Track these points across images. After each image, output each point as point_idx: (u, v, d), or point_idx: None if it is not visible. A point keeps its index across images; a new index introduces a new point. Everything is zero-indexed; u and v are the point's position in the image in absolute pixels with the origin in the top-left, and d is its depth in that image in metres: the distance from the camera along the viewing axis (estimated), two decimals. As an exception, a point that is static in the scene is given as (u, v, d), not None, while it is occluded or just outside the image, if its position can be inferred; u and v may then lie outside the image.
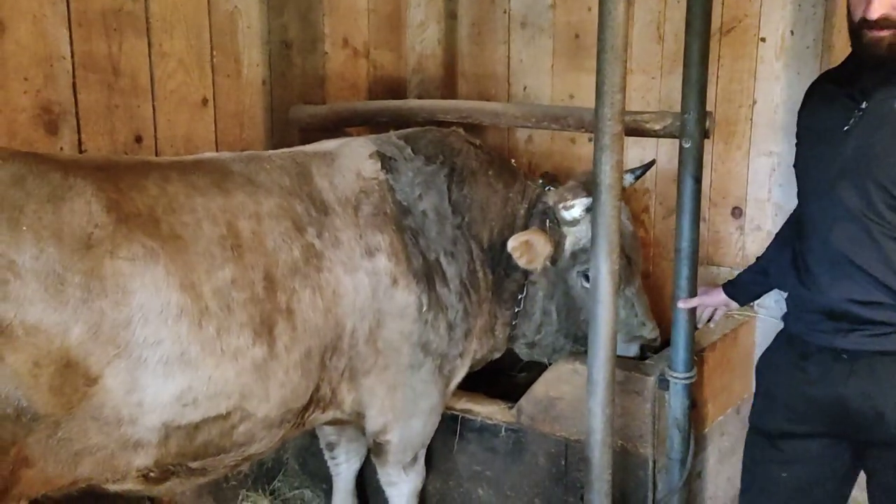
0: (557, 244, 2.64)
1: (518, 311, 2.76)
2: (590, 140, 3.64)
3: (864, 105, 1.95)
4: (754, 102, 3.21)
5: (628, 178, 2.73)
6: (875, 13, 1.86)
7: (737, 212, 3.30)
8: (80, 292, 1.82)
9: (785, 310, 3.20)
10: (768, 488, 2.19)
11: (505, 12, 3.76)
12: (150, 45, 2.80)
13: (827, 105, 2.07)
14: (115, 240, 1.90)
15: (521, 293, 2.74)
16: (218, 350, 2.01)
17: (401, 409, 2.54)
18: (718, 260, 3.33)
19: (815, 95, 2.16)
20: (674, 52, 3.35)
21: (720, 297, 2.53)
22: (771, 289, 2.53)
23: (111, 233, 1.90)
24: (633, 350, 2.85)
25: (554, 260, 2.65)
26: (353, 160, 2.53)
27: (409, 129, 2.82)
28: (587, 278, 2.54)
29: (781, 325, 3.24)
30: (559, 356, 2.85)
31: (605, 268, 2.07)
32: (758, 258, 2.51)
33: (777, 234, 2.46)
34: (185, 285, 1.97)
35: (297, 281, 2.20)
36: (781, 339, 2.25)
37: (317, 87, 3.47)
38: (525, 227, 2.68)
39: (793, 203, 3.13)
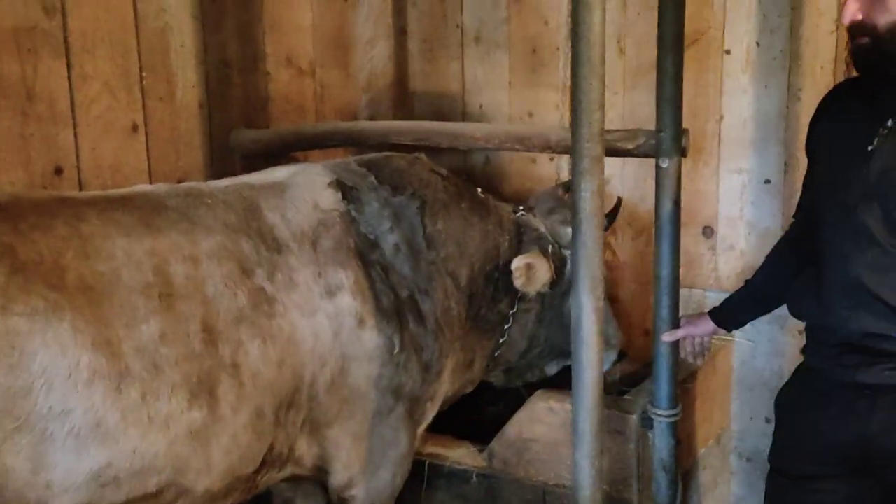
0: (558, 269, 2.55)
1: (503, 342, 2.65)
2: (551, 160, 3.50)
3: (889, 123, 1.80)
4: (721, 118, 3.08)
5: None
6: (845, 19, 1.78)
7: (708, 231, 3.16)
8: None
9: (760, 332, 3.12)
10: None
11: (458, 27, 3.57)
12: (69, 66, 2.51)
13: (847, 121, 1.92)
14: (9, 293, 1.62)
15: (507, 323, 2.61)
16: (144, 418, 1.74)
17: (368, 460, 2.30)
18: (690, 282, 3.19)
19: (833, 109, 2.01)
20: (636, 66, 3.21)
21: (708, 326, 2.36)
22: (763, 314, 2.38)
23: (2, 285, 1.62)
24: (610, 359, 2.82)
25: (553, 284, 2.54)
26: (309, 190, 2.29)
27: (369, 156, 2.60)
28: None
29: (756, 347, 3.17)
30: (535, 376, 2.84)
31: (588, 305, 1.86)
32: (747, 281, 2.34)
33: (769, 256, 2.30)
34: (99, 343, 1.70)
35: (243, 331, 1.95)
36: (801, 374, 2.09)
37: (259, 110, 3.22)
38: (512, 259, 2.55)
39: (766, 221, 3.06)
